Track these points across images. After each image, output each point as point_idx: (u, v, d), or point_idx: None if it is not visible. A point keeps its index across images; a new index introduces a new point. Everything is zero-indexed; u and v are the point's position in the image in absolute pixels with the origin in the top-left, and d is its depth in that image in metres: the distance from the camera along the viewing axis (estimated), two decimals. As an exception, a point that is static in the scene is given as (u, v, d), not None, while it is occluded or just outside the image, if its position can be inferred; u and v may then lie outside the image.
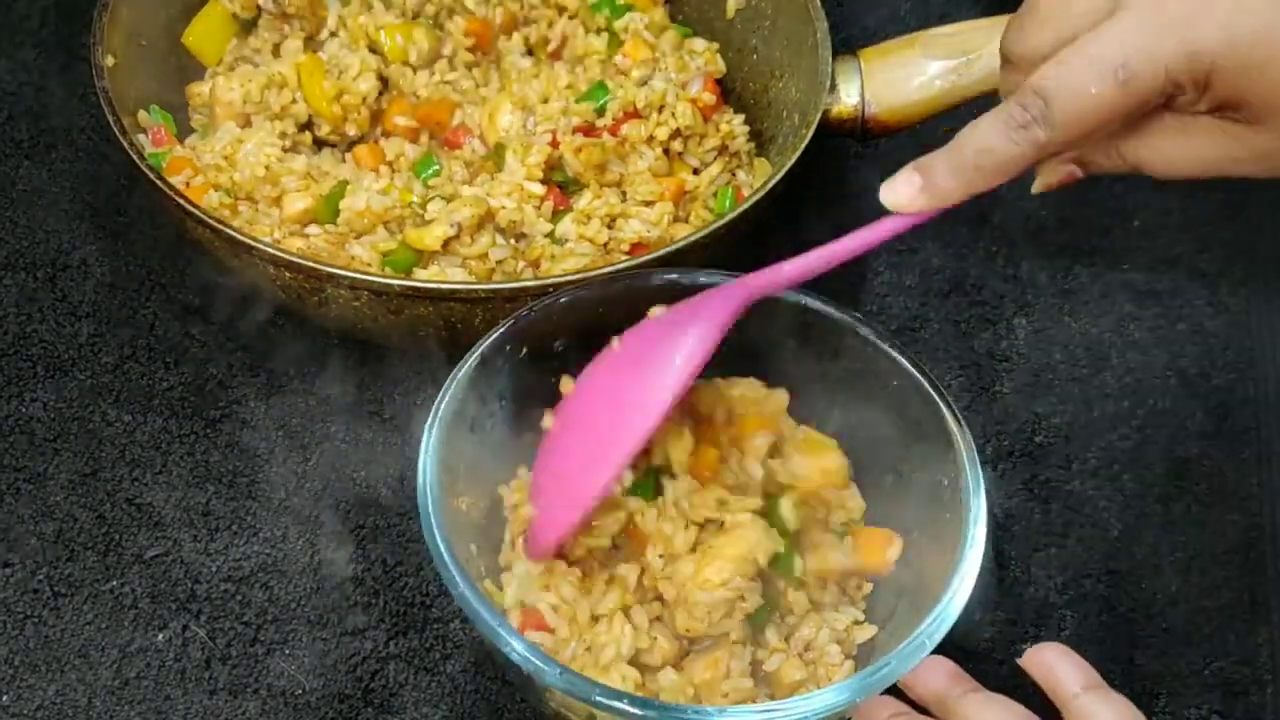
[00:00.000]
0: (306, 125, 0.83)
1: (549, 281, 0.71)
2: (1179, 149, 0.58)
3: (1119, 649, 0.72)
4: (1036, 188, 0.62)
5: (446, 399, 0.66)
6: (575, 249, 0.79)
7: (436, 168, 0.81)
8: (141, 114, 0.82)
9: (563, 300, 0.69)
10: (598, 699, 0.57)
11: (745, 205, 0.75)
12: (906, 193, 0.61)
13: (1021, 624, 0.72)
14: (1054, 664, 0.60)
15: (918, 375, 0.67)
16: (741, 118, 0.86)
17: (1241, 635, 0.72)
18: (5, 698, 0.67)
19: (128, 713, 0.67)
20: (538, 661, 0.58)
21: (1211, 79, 0.55)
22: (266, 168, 0.79)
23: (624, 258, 0.78)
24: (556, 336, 0.70)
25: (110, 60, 0.79)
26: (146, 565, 0.72)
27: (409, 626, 0.71)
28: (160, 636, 0.70)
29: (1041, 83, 0.56)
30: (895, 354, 0.68)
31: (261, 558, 0.72)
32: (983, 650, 0.71)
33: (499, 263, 0.78)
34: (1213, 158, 0.58)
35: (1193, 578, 0.74)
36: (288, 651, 0.69)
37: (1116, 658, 0.71)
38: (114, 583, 0.71)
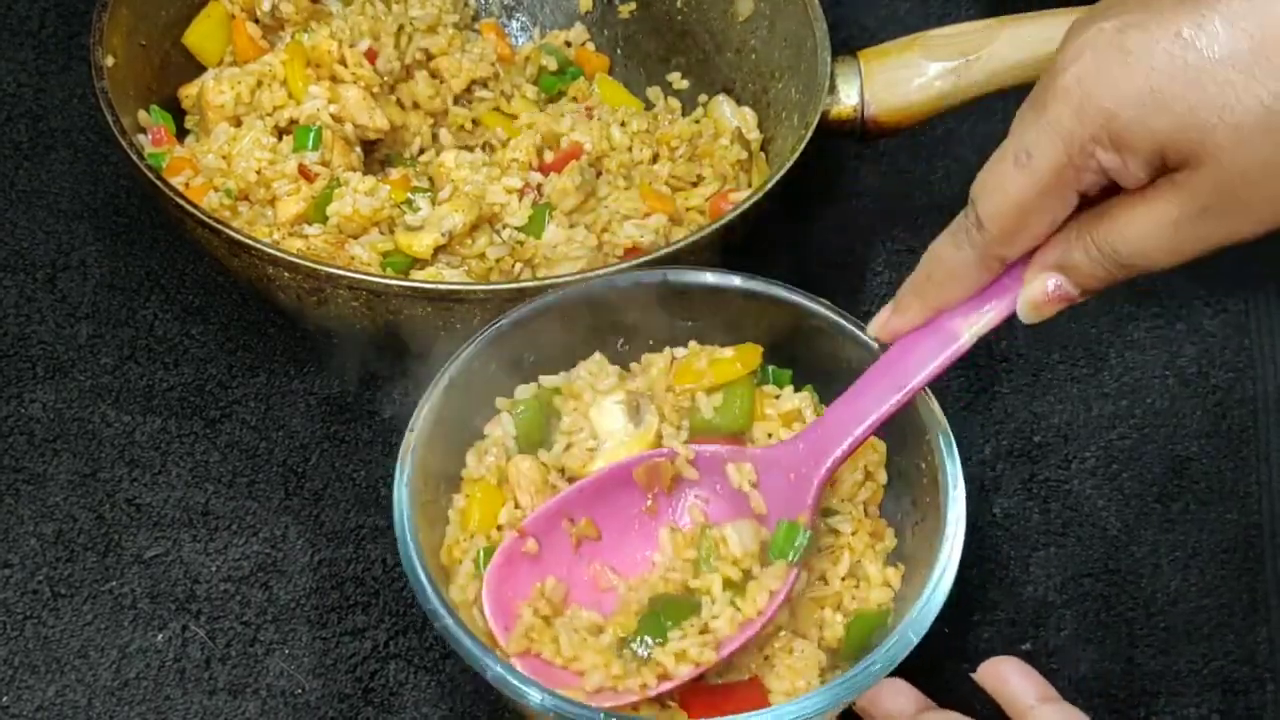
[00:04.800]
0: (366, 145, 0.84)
1: (549, 281, 0.71)
2: (1146, 224, 0.54)
3: (1118, 648, 0.72)
4: (1022, 308, 0.60)
5: (419, 425, 0.64)
6: (569, 251, 0.79)
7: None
8: (141, 114, 0.82)
9: (546, 301, 0.68)
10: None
11: (744, 206, 0.75)
12: (880, 319, 0.63)
13: (1021, 624, 0.72)
14: (1008, 677, 0.61)
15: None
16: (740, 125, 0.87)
17: (1241, 634, 0.72)
18: (5, 698, 0.67)
19: (127, 713, 0.67)
20: (519, 684, 0.57)
21: (1121, 136, 0.53)
22: (258, 172, 0.79)
23: (618, 261, 0.78)
24: (538, 344, 0.69)
25: (110, 60, 0.79)
26: (146, 565, 0.72)
27: (409, 626, 0.71)
28: (160, 636, 0.70)
29: (973, 187, 0.58)
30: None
31: (261, 558, 0.72)
32: (982, 651, 0.71)
33: (497, 261, 0.79)
34: (1184, 224, 0.54)
35: (1192, 577, 0.74)
36: (287, 651, 0.69)
37: (1116, 657, 0.71)
38: (113, 583, 0.71)
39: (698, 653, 0.61)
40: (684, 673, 0.61)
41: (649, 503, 0.66)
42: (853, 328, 0.67)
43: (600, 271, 0.71)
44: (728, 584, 0.62)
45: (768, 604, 0.62)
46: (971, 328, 0.61)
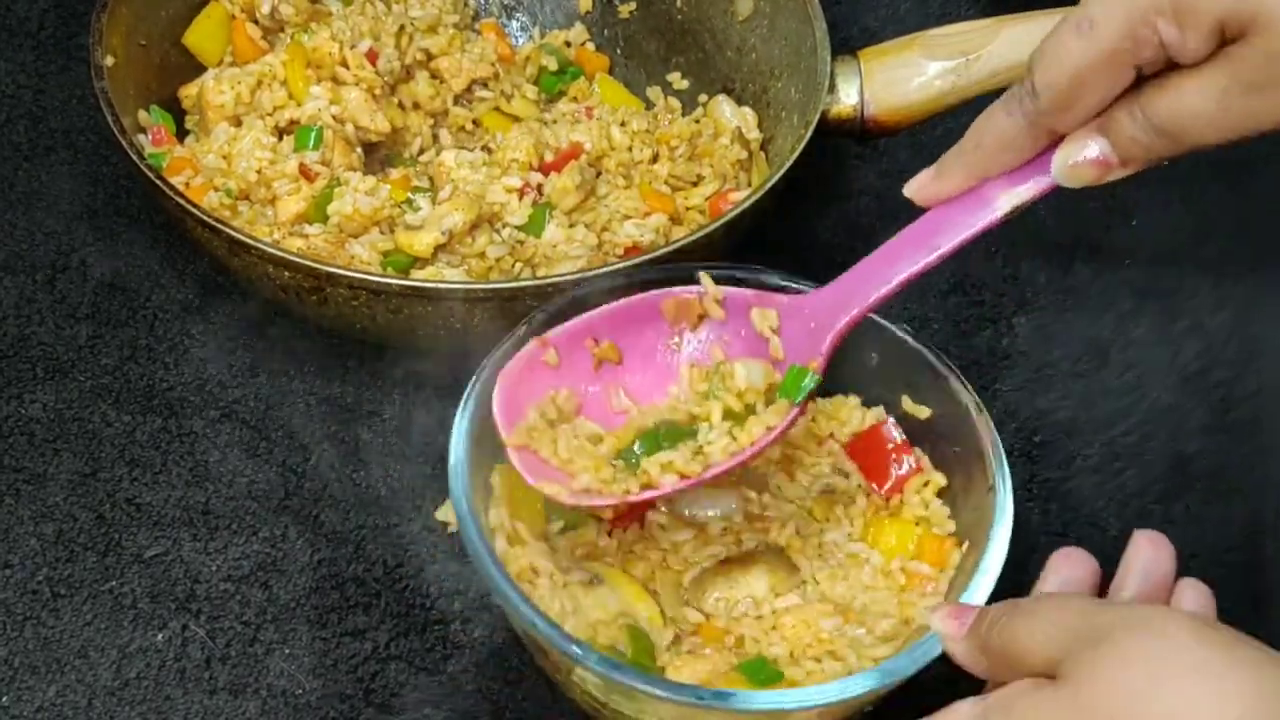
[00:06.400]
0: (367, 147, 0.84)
1: (549, 281, 0.71)
2: (1194, 93, 0.54)
3: (1120, 647, 0.71)
4: (1057, 164, 0.59)
5: (478, 387, 0.65)
6: (569, 251, 0.79)
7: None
8: (141, 114, 0.82)
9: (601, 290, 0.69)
10: (629, 681, 0.57)
11: (744, 205, 0.75)
12: (921, 179, 0.62)
13: (1023, 622, 0.72)
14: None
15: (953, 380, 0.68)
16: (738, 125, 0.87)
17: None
18: (5, 699, 0.67)
19: (127, 713, 0.67)
20: (563, 641, 0.58)
21: (1183, 5, 0.53)
22: (259, 171, 0.79)
23: (618, 261, 0.78)
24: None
25: (110, 61, 0.79)
26: (146, 565, 0.72)
27: (410, 628, 0.70)
28: (160, 636, 0.69)
29: (1031, 55, 0.58)
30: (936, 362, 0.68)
31: (261, 558, 0.72)
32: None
33: (497, 260, 0.79)
34: (1233, 95, 0.54)
35: (1193, 575, 0.74)
36: (288, 651, 0.69)
37: (1118, 656, 0.71)
38: (113, 583, 0.71)
39: (684, 464, 0.62)
40: (667, 483, 0.62)
41: (674, 337, 0.67)
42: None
43: (599, 271, 0.71)
44: (728, 414, 0.63)
45: (762, 436, 0.62)
46: (1009, 198, 0.60)
